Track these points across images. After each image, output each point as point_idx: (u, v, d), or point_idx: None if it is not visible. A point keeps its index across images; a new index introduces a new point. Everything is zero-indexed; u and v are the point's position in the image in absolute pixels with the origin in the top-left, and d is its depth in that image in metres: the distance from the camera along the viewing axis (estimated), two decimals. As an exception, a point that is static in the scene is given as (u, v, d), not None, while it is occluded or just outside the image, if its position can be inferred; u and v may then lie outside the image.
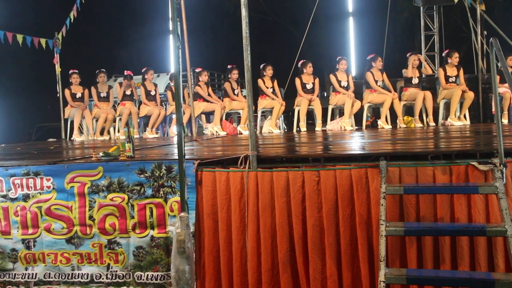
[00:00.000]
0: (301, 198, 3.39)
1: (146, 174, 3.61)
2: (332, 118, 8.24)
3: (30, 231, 3.75)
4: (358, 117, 8.20)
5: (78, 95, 8.73)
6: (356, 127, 8.06)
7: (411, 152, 3.58)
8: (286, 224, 3.40)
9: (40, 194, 3.74)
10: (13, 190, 3.76)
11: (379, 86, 7.89)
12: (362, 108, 8.04)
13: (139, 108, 8.84)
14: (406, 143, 4.81)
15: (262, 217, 3.44)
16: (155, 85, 9.06)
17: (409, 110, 8.10)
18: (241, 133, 8.05)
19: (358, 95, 8.15)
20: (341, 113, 8.18)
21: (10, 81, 19.05)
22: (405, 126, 7.67)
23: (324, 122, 8.20)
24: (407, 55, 8.10)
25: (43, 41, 9.10)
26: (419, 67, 8.06)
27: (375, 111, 8.56)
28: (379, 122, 7.85)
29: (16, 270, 3.79)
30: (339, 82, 8.13)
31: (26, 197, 3.75)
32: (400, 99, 7.87)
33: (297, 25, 16.85)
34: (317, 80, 8.28)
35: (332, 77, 8.20)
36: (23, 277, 3.78)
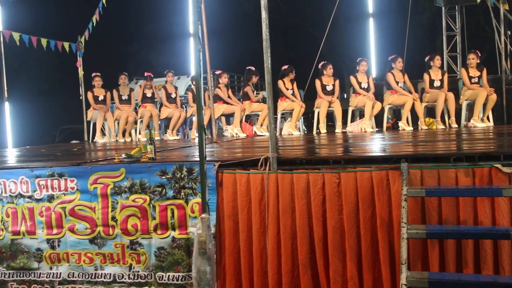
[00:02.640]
0: (321, 200, 3.38)
1: (168, 176, 3.65)
2: (352, 120, 8.20)
3: (55, 231, 3.83)
4: (378, 118, 8.14)
5: (101, 97, 8.87)
6: (377, 129, 8.00)
7: (433, 154, 3.54)
8: (306, 226, 3.40)
9: (64, 195, 3.80)
10: (38, 191, 3.84)
11: (400, 87, 7.83)
12: (382, 109, 7.98)
13: (160, 110, 8.93)
14: (427, 145, 4.76)
15: (282, 219, 3.44)
16: (176, 87, 9.15)
17: (430, 112, 8.00)
18: (257, 134, 8.06)
19: (379, 97, 8.09)
20: (362, 115, 8.13)
21: (35, 84, 19.42)
22: (426, 127, 7.58)
23: (344, 124, 8.16)
24: (426, 59, 8.01)
25: (66, 44, 9.27)
26: (441, 68, 7.97)
27: (396, 112, 8.48)
28: (400, 123, 7.78)
29: (41, 269, 3.86)
30: (359, 83, 8.09)
31: (50, 198, 3.82)
32: (421, 100, 7.79)
33: (317, 26, 16.78)
34: (337, 82, 8.25)
35: (352, 79, 8.16)
36: (47, 277, 3.85)
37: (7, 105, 8.47)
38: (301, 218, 3.40)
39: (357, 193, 3.31)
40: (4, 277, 3.90)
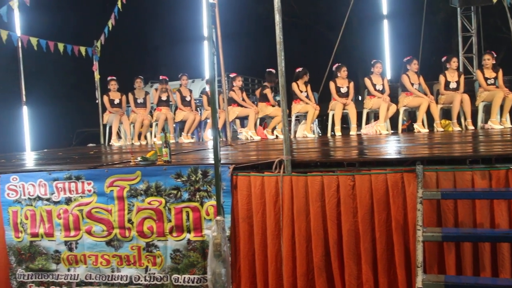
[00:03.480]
0: (336, 202, 3.38)
1: (183, 179, 3.67)
2: (367, 122, 8.17)
3: (72, 233, 3.88)
4: (393, 121, 8.09)
5: (116, 101, 8.96)
6: (392, 131, 7.96)
7: (448, 156, 3.51)
8: (321, 228, 3.40)
9: (82, 198, 3.86)
10: (56, 194, 3.90)
11: (416, 89, 7.78)
12: (397, 111, 7.93)
13: (174, 114, 9.00)
14: (443, 147, 4.72)
15: (297, 222, 3.45)
16: (190, 90, 9.22)
17: (446, 114, 7.93)
18: (267, 138, 8.07)
19: (394, 99, 8.04)
20: (376, 117, 8.09)
21: (52, 88, 19.68)
22: (442, 129, 7.52)
23: (359, 126, 8.12)
24: (443, 59, 7.95)
25: (82, 49, 9.39)
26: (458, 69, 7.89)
27: (411, 114, 8.43)
28: (415, 126, 7.73)
29: (59, 271, 3.92)
30: (374, 85, 8.05)
31: (68, 201, 3.88)
32: (437, 102, 7.73)
33: (331, 28, 16.76)
34: (351, 84, 8.23)
35: (367, 81, 8.13)
36: (65, 278, 3.90)
37: (25, 109, 8.61)
38: (316, 221, 3.40)
39: (372, 196, 3.30)
40: (24, 278, 3.96)
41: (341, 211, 3.37)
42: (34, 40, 8.39)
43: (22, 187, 3.96)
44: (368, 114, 8.23)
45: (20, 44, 8.36)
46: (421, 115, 7.64)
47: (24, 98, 8.58)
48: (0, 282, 4.01)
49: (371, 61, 8.39)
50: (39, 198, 3.94)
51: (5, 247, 3.99)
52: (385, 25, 11.96)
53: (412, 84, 7.77)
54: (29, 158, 6.40)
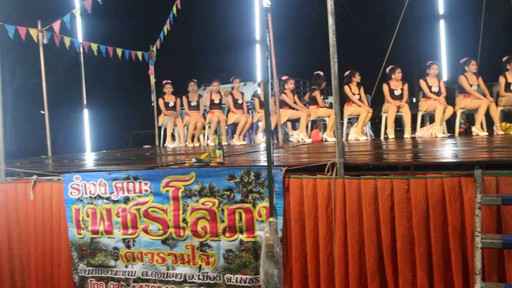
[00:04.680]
0: (389, 206, 3.33)
1: (236, 180, 3.73)
2: (422, 125, 7.97)
3: (130, 231, 4.03)
4: (450, 123, 7.85)
5: (171, 104, 9.21)
6: (448, 134, 7.72)
7: (509, 160, 3.38)
8: (374, 232, 3.36)
9: (139, 197, 4.00)
10: (115, 193, 4.06)
11: (474, 90, 7.51)
12: (454, 114, 7.69)
13: (227, 116, 9.14)
14: (504, 151, 4.54)
15: (349, 225, 3.43)
16: (242, 93, 9.32)
17: (507, 116, 7.61)
18: (327, 140, 8.03)
19: (450, 101, 7.80)
20: (432, 120, 7.89)
21: (110, 92, 20.46)
22: (503, 133, 7.21)
23: (414, 129, 7.94)
24: (504, 59, 7.63)
25: (139, 54, 9.73)
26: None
27: (469, 117, 8.14)
28: (473, 128, 7.46)
29: (118, 267, 4.08)
30: (429, 87, 7.85)
31: (126, 200, 4.03)
32: (497, 104, 7.42)
33: (384, 29, 16.47)
34: (405, 86, 8.06)
35: (422, 83, 7.94)
36: (123, 274, 4.05)
37: (86, 112, 9.01)
38: (369, 225, 3.36)
39: (427, 200, 3.23)
40: (85, 273, 4.16)
41: (395, 215, 3.31)
42: (94, 46, 8.78)
43: (84, 186, 4.15)
44: (423, 116, 8.03)
45: (81, 50, 8.77)
46: (480, 117, 7.36)
47: (85, 102, 8.99)
48: (63, 276, 4.22)
49: (426, 63, 8.18)
50: (99, 196, 4.11)
51: (68, 243, 4.19)
52: (442, 25, 11.60)
53: (471, 85, 7.51)
54: (90, 158, 6.69)
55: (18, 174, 4.50)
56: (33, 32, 7.70)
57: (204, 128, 9.15)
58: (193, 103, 9.19)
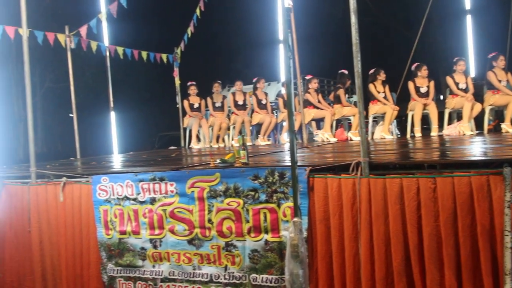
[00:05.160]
0: (416, 205, 3.29)
1: (260, 180, 3.74)
2: (450, 123, 7.83)
3: (157, 231, 4.08)
4: (478, 121, 7.69)
5: (196, 105, 9.29)
6: (477, 132, 7.57)
7: (540, 158, 3.29)
8: (400, 232, 3.33)
9: (165, 198, 4.05)
10: (142, 194, 4.12)
11: (503, 86, 7.34)
12: (483, 111, 7.53)
13: (251, 117, 9.16)
14: (534, 148, 4.42)
15: (375, 225, 3.40)
16: (266, 93, 9.34)
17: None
18: (352, 139, 7.97)
19: (478, 97, 7.65)
20: (459, 117, 7.75)
21: (136, 94, 20.75)
22: (533, 129, 7.04)
23: (441, 127, 7.81)
24: None
25: (164, 56, 9.85)
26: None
27: (498, 114, 7.96)
28: (502, 125, 7.30)
29: (145, 267, 4.14)
30: (456, 84, 7.72)
31: (153, 201, 4.09)
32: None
33: (409, 26, 16.23)
34: (432, 83, 7.93)
35: (449, 79, 7.81)
36: (151, 274, 4.11)
37: (112, 114, 9.17)
38: (395, 224, 3.33)
39: (454, 199, 3.18)
40: (113, 273, 4.23)
41: (421, 214, 3.27)
42: (120, 50, 8.94)
43: (112, 187, 4.22)
44: (450, 114, 7.90)
45: (108, 53, 8.93)
46: (510, 114, 7.20)
47: (111, 104, 9.15)
48: (93, 275, 4.31)
49: (453, 59, 8.04)
50: (126, 198, 4.18)
51: (97, 243, 4.28)
52: (468, 21, 11.37)
53: (500, 81, 7.35)
54: (117, 160, 6.81)
55: (48, 176, 4.62)
56: (61, 37, 7.89)
57: (228, 129, 9.20)
58: (218, 104, 9.25)
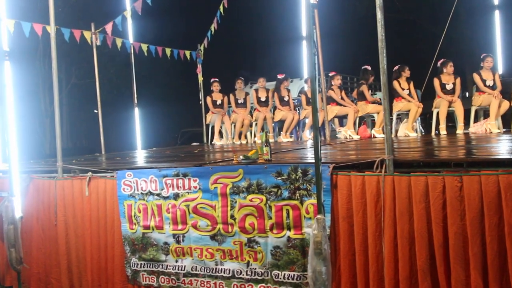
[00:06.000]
0: (441, 204, 3.24)
1: (283, 177, 3.74)
2: (476, 120, 7.68)
3: (180, 227, 4.11)
4: (506, 118, 7.53)
5: (218, 102, 9.32)
6: (504, 130, 7.41)
7: None
8: (425, 231, 3.28)
9: (188, 194, 4.07)
10: (165, 189, 4.16)
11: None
12: (511, 108, 7.37)
13: (273, 113, 9.15)
14: None
15: (399, 223, 3.36)
16: (288, 90, 9.31)
17: None
18: (375, 137, 7.90)
19: (506, 95, 7.48)
20: (486, 115, 7.59)
21: (159, 91, 20.93)
22: None
23: (467, 124, 7.67)
24: None
25: (187, 53, 9.91)
26: None
27: (527, 111, 7.78)
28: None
29: (168, 262, 4.18)
30: (483, 81, 7.56)
31: (176, 196, 4.12)
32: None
33: (435, 22, 15.96)
34: (458, 80, 7.80)
35: (476, 76, 7.66)
36: (174, 269, 4.15)
37: (136, 111, 9.27)
38: (420, 223, 3.29)
39: (481, 198, 3.12)
40: (137, 267, 4.29)
41: (447, 213, 3.22)
42: (144, 46, 9.02)
43: (136, 182, 4.27)
44: (477, 111, 7.75)
45: (132, 50, 9.02)
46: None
47: (135, 101, 9.24)
48: (117, 269, 4.37)
49: (480, 55, 7.88)
50: (150, 193, 4.22)
51: (121, 237, 4.34)
52: (497, 16, 11.12)
53: (528, 79, 7.18)
54: (141, 156, 6.89)
55: (74, 171, 4.69)
56: (87, 34, 8.00)
57: (251, 126, 9.21)
58: (240, 101, 9.27)
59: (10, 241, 4.51)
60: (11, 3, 5.19)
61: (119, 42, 8.53)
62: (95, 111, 8.88)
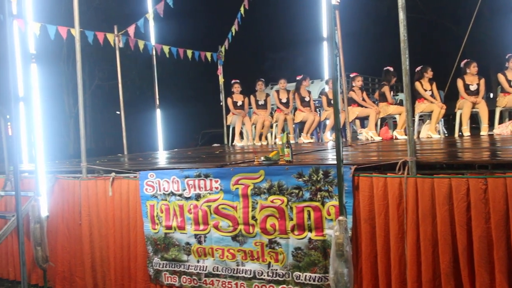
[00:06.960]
0: (465, 207, 3.20)
1: (304, 178, 3.74)
2: (501, 122, 7.55)
3: (201, 227, 4.15)
4: (532, 120, 7.38)
5: (239, 103, 9.36)
6: (530, 131, 7.26)
7: None
8: (448, 233, 3.24)
9: (210, 194, 4.10)
10: (187, 190, 4.20)
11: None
12: (537, 110, 7.23)
13: (294, 115, 9.14)
14: None
15: (422, 225, 3.33)
16: (309, 91, 9.29)
17: None
18: (397, 138, 7.83)
19: (532, 96, 7.34)
20: (511, 116, 7.45)
21: (181, 92, 21.10)
22: None
23: (491, 126, 7.54)
24: None
25: (208, 54, 9.98)
26: None
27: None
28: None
29: (190, 262, 4.21)
30: (509, 81, 7.44)
31: (198, 197, 4.15)
32: None
33: (458, 22, 15.74)
34: (482, 81, 7.68)
35: (500, 77, 7.53)
36: (195, 269, 4.18)
37: (158, 112, 9.37)
38: (443, 225, 3.25)
39: (507, 201, 3.07)
40: (159, 267, 4.34)
41: (471, 216, 3.18)
42: (166, 48, 9.11)
43: (158, 183, 4.32)
44: (501, 112, 7.62)
45: (154, 52, 9.13)
46: None
47: (157, 102, 9.34)
48: (139, 268, 4.43)
49: (505, 55, 7.74)
50: (172, 193, 4.27)
51: (144, 237, 4.39)
52: (522, 15, 10.91)
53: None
54: (162, 157, 6.96)
55: (98, 171, 4.77)
56: (110, 36, 8.12)
57: (271, 127, 9.21)
58: (261, 102, 9.29)
59: (36, 239, 4.61)
60: (36, 7, 5.30)
61: (141, 44, 8.64)
62: (118, 112, 9.00)
